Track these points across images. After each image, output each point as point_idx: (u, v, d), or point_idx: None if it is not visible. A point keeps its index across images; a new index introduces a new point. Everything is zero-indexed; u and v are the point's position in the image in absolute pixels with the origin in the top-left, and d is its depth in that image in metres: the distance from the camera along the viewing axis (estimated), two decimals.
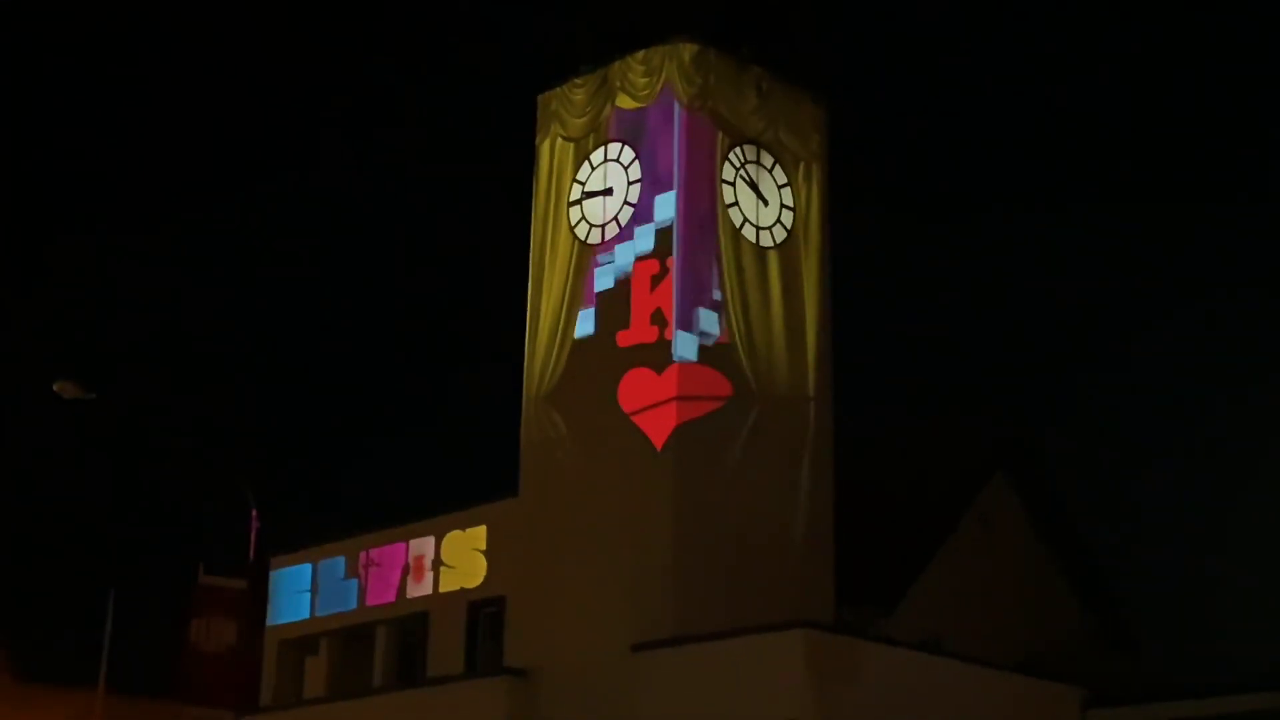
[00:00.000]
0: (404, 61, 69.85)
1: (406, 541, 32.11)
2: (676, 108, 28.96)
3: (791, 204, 30.23)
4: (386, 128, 68.53)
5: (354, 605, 32.79)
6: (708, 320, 28.01)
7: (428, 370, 66.59)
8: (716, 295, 28.24)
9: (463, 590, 30.90)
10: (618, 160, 29.61)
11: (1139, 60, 61.16)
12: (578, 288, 29.35)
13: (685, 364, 27.78)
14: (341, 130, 69.79)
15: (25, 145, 68.12)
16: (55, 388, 29.70)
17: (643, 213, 28.83)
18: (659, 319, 27.99)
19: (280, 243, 70.70)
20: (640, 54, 29.46)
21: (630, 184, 29.27)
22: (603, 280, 28.95)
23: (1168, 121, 60.79)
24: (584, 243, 29.56)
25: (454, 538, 31.27)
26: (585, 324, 28.95)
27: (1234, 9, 56.43)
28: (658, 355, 27.95)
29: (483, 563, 30.72)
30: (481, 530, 30.86)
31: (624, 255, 28.76)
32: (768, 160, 30.13)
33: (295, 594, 33.89)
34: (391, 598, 32.12)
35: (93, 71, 69.68)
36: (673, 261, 27.98)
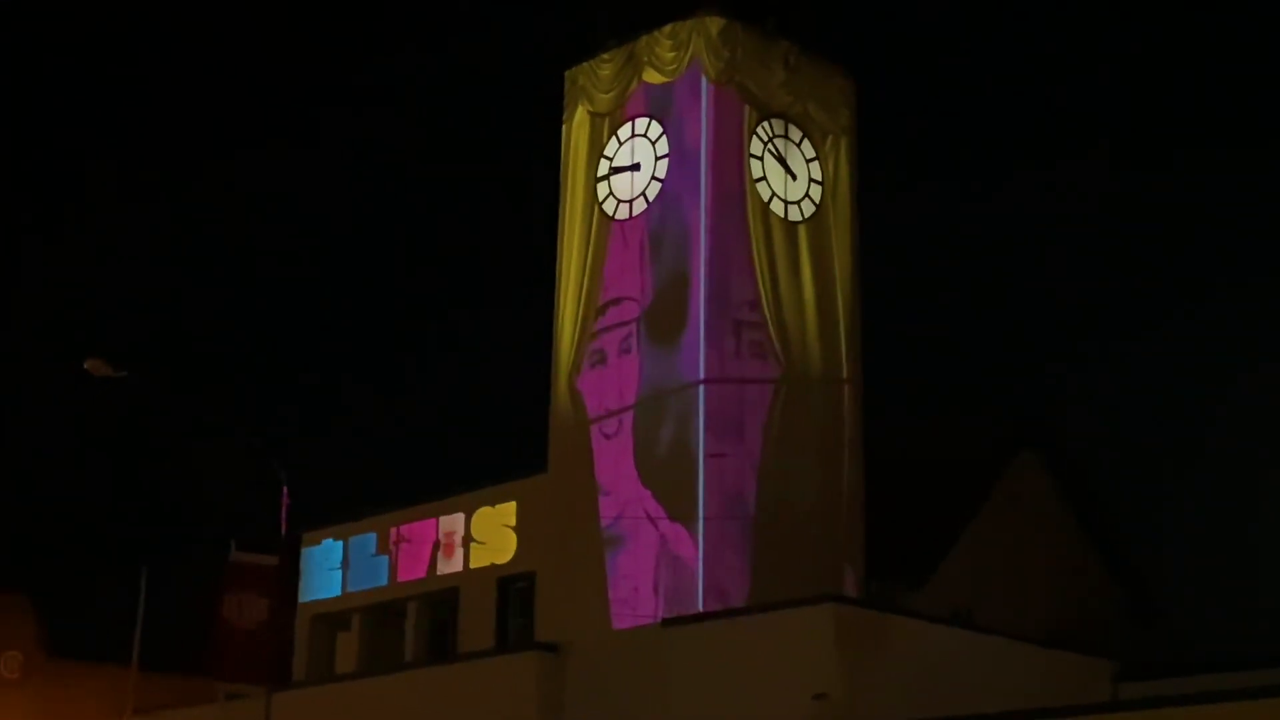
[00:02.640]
0: (414, 51, 70.01)
1: (437, 518, 32.24)
2: (704, 82, 28.90)
3: (820, 178, 30.16)
4: (392, 124, 68.71)
5: (385, 581, 32.96)
6: None
7: (456, 343, 66.83)
8: None
9: (493, 566, 31.04)
10: (645, 135, 29.57)
11: (1141, 58, 61.14)
12: (600, 265, 29.34)
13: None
14: (346, 127, 69.94)
15: (25, 145, 68.45)
16: (86, 366, 29.75)
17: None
18: None
19: (291, 226, 71.04)
20: (667, 28, 29.39)
21: (657, 159, 29.23)
22: None
23: (1170, 121, 60.72)
24: (610, 218, 29.56)
25: (484, 514, 31.39)
26: None
27: (1237, 9, 56.26)
28: None
29: (513, 539, 30.83)
30: (511, 506, 30.97)
31: None
32: (796, 134, 30.05)
33: (327, 570, 34.09)
34: (422, 574, 32.28)
35: (95, 73, 69.95)
36: None
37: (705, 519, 27.07)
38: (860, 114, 30.98)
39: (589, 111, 30.33)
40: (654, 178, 29.19)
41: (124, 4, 70.31)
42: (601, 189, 29.88)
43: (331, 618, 34.04)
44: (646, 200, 29.20)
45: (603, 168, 29.97)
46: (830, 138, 30.41)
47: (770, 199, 29.27)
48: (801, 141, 30.09)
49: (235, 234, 70.70)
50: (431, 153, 67.62)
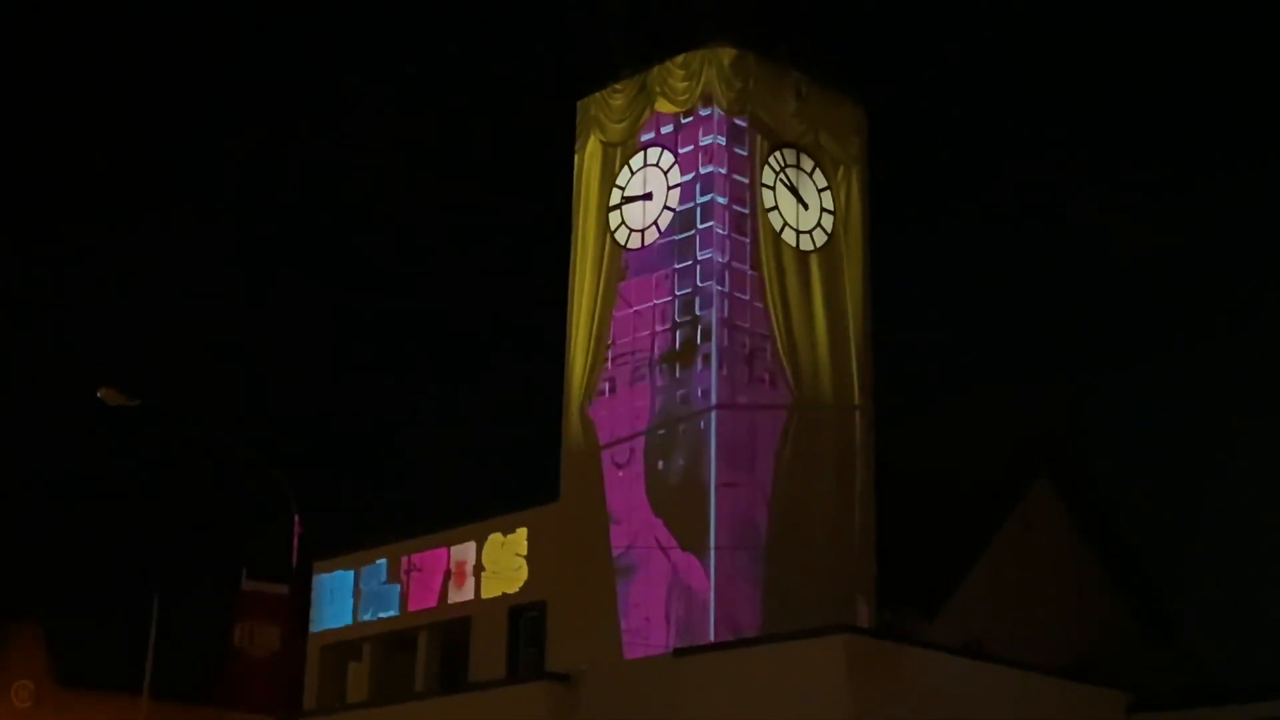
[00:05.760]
0: (432, 66, 70.26)
1: (448, 547, 32.19)
2: (716, 112, 28.96)
3: (832, 207, 30.19)
4: (402, 150, 68.91)
5: (396, 610, 32.90)
6: None
7: (466, 368, 66.95)
8: None
9: (504, 595, 30.97)
10: (657, 165, 29.62)
11: (1154, 82, 61.27)
12: (612, 294, 29.36)
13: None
14: (357, 155, 70.21)
15: (30, 166, 68.76)
16: (99, 394, 29.83)
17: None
18: None
19: (310, 240, 71.23)
20: (679, 59, 29.47)
21: (670, 189, 29.27)
22: None
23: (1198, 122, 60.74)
24: (622, 248, 29.60)
25: (495, 543, 31.34)
26: None
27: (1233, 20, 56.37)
28: None
29: (524, 568, 30.77)
30: (522, 535, 30.92)
31: None
32: (807, 164, 30.10)
33: (338, 599, 34.02)
34: (433, 603, 32.22)
35: (98, 92, 70.24)
36: None
37: (717, 548, 27.02)
38: (872, 143, 31.01)
39: (601, 141, 30.40)
40: (666, 207, 29.24)
41: (128, 24, 70.69)
42: (614, 218, 29.93)
43: (342, 647, 33.97)
44: (659, 229, 29.24)
45: (615, 197, 30.02)
46: (842, 167, 30.44)
47: (782, 228, 29.30)
48: (813, 171, 30.14)
49: (245, 259, 70.94)
50: (442, 182, 67.84)
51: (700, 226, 28.63)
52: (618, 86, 30.30)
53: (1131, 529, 35.46)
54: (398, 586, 32.94)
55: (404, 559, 32.92)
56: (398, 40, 69.46)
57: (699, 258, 28.50)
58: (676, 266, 28.73)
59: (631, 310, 29.10)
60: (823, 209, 30.06)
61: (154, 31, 69.55)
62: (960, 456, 33.39)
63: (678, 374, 28.20)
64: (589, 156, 30.51)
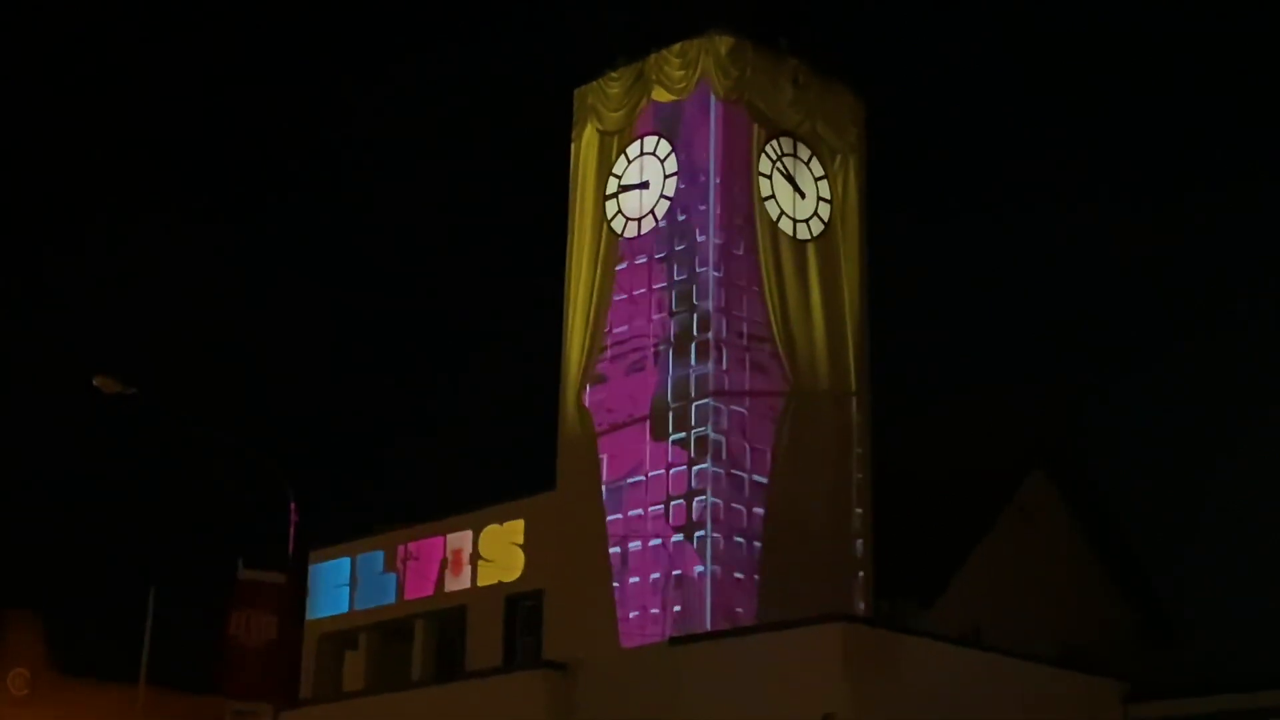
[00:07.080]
0: (431, 62, 70.21)
1: (444, 535, 32.16)
2: (713, 100, 28.94)
3: (829, 196, 30.16)
4: (398, 140, 68.86)
5: (392, 599, 32.88)
6: None
7: (463, 364, 66.92)
8: None
9: (501, 584, 30.95)
10: (654, 154, 29.60)
11: (1153, 78, 61.30)
12: (609, 283, 29.32)
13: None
14: (354, 148, 70.08)
15: (32, 159, 68.68)
16: (95, 382, 29.80)
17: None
18: None
19: (310, 240, 71.20)
20: (676, 47, 29.46)
21: (666, 177, 29.25)
22: None
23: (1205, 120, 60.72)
24: (619, 236, 29.58)
25: (492, 531, 31.31)
26: None
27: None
28: None
29: (520, 556, 30.75)
30: (519, 524, 30.89)
31: None
32: (804, 153, 30.06)
33: (334, 588, 34.00)
34: (430, 591, 32.18)
35: (100, 93, 70.20)
36: None
37: (713, 537, 26.98)
38: (869, 133, 30.98)
39: (598, 130, 30.37)
40: (663, 196, 29.23)
41: (128, 24, 70.69)
42: (610, 207, 29.91)
43: (339, 635, 33.95)
44: (655, 218, 29.23)
45: (611, 185, 30.00)
46: (839, 156, 30.41)
47: (779, 217, 29.27)
48: (810, 160, 30.10)
49: (245, 259, 70.92)
50: (438, 172, 67.82)
51: (696, 215, 28.60)
52: (614, 75, 30.29)
53: (1131, 529, 35.43)
54: (394, 575, 32.90)
55: (400, 548, 32.87)
56: (398, 40, 69.51)
57: (695, 246, 28.48)
58: (674, 253, 28.71)
59: (628, 298, 29.08)
60: (819, 198, 30.04)
61: (154, 31, 69.60)
62: (958, 445, 33.37)
63: (674, 362, 28.17)
64: (585, 145, 30.49)
